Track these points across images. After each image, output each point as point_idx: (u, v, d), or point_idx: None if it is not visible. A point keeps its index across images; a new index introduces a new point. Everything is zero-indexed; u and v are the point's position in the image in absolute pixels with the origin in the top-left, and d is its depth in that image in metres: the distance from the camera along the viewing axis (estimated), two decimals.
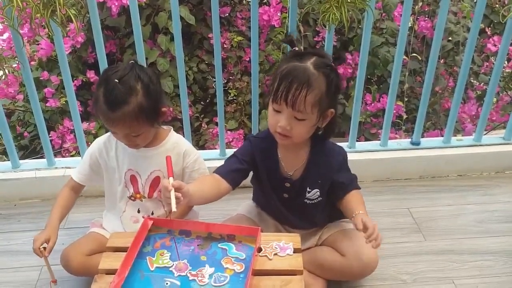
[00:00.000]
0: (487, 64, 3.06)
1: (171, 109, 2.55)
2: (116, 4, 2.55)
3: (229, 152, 2.06)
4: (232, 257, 1.29)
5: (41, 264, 1.62)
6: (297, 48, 1.37)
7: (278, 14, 2.77)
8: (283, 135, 1.34)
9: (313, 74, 1.27)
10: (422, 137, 2.14)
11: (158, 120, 1.43)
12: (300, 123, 1.31)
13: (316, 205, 1.47)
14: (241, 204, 1.67)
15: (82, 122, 1.98)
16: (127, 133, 1.39)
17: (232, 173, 1.44)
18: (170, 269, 1.25)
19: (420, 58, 2.82)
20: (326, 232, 1.54)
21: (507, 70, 3.20)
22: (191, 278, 1.22)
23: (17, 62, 2.73)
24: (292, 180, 1.45)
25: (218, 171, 1.44)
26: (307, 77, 1.26)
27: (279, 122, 1.31)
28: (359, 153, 2.07)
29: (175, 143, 1.51)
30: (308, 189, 1.45)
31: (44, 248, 1.39)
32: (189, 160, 1.52)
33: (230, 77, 2.88)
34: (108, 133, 1.51)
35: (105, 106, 1.33)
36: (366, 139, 2.72)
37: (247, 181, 1.54)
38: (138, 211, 1.54)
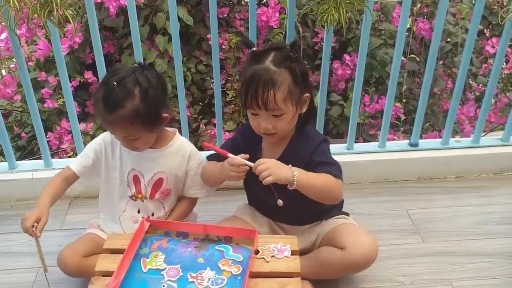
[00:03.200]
0: (486, 65, 3.06)
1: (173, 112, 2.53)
2: (114, 4, 2.54)
3: None
4: (229, 259, 1.28)
5: (37, 266, 1.61)
6: (254, 48, 1.39)
7: (277, 15, 2.77)
8: (269, 134, 1.37)
9: (274, 72, 1.30)
10: (420, 139, 2.13)
11: (157, 126, 1.42)
12: (280, 119, 1.34)
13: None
14: (238, 206, 1.67)
15: (79, 123, 1.97)
16: (124, 136, 1.39)
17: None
18: (162, 272, 1.24)
19: (418, 60, 2.82)
20: (321, 233, 1.53)
21: (505, 72, 3.20)
22: (190, 279, 1.22)
23: (14, 62, 2.73)
24: None
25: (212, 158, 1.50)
26: (270, 76, 1.29)
27: (261, 124, 1.35)
28: (357, 155, 2.07)
29: (180, 146, 1.52)
30: None
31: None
32: (193, 163, 1.52)
33: (229, 78, 2.87)
34: None
35: (102, 108, 1.35)
36: (365, 141, 2.71)
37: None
38: (138, 211, 1.53)
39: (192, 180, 1.54)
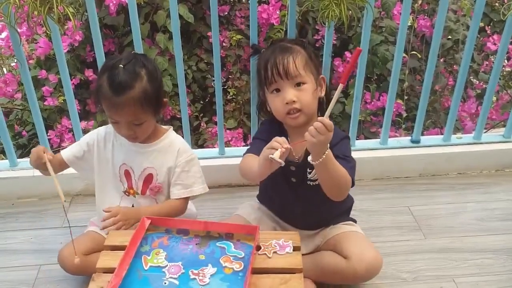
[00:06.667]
0: (487, 63, 3.06)
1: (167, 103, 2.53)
2: (114, 2, 2.54)
3: (228, 150, 2.06)
4: (230, 255, 1.28)
5: (38, 263, 1.62)
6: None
7: (277, 12, 2.76)
8: (294, 113, 1.37)
9: (290, 46, 1.42)
10: (422, 135, 2.13)
11: (160, 110, 1.46)
12: (303, 90, 1.37)
13: (318, 188, 1.38)
14: (241, 203, 1.66)
15: (80, 121, 1.97)
16: (130, 120, 1.39)
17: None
18: (163, 269, 1.24)
19: (419, 57, 2.81)
20: (327, 235, 1.53)
21: (507, 69, 3.19)
22: (192, 276, 1.22)
23: (15, 60, 2.73)
24: (296, 162, 1.44)
25: (253, 151, 1.44)
26: (287, 48, 1.40)
27: (285, 99, 1.36)
28: (359, 151, 2.06)
29: (171, 142, 1.51)
30: (308, 170, 1.42)
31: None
32: (181, 159, 1.50)
33: (229, 76, 2.87)
34: (109, 125, 1.50)
35: (110, 91, 1.35)
36: (366, 138, 2.70)
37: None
38: (133, 206, 1.53)
39: (177, 177, 1.50)
